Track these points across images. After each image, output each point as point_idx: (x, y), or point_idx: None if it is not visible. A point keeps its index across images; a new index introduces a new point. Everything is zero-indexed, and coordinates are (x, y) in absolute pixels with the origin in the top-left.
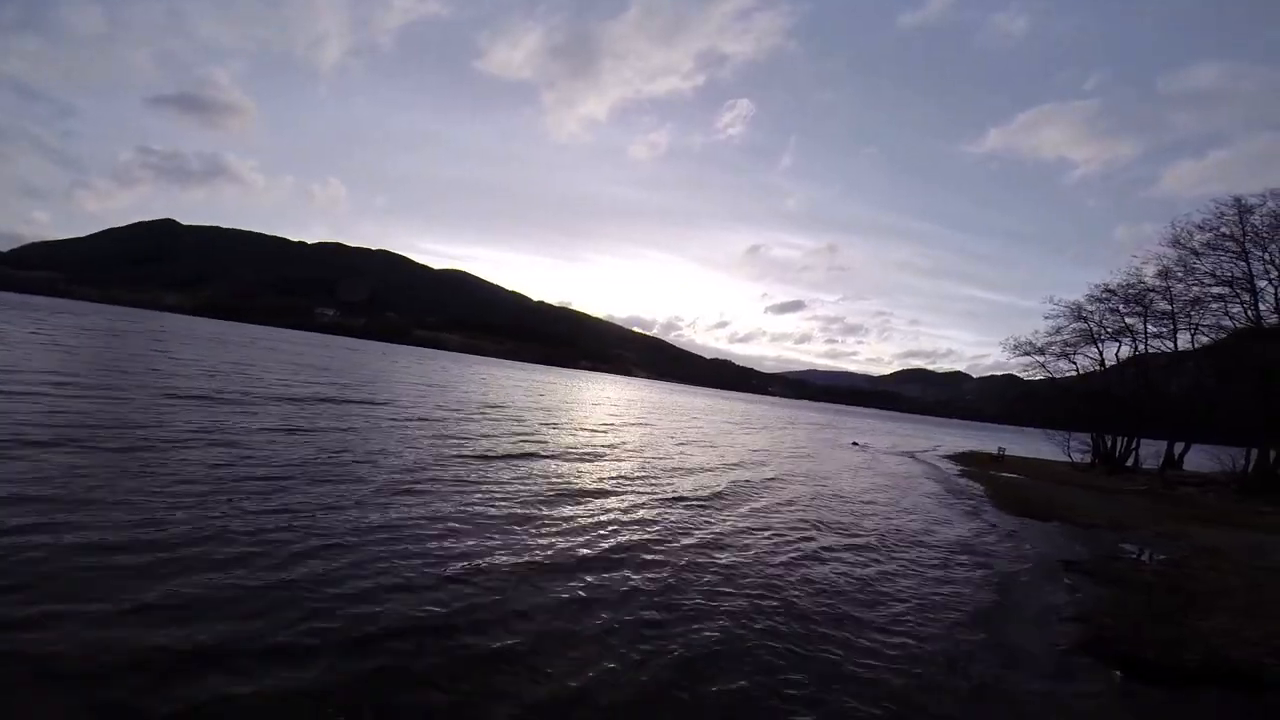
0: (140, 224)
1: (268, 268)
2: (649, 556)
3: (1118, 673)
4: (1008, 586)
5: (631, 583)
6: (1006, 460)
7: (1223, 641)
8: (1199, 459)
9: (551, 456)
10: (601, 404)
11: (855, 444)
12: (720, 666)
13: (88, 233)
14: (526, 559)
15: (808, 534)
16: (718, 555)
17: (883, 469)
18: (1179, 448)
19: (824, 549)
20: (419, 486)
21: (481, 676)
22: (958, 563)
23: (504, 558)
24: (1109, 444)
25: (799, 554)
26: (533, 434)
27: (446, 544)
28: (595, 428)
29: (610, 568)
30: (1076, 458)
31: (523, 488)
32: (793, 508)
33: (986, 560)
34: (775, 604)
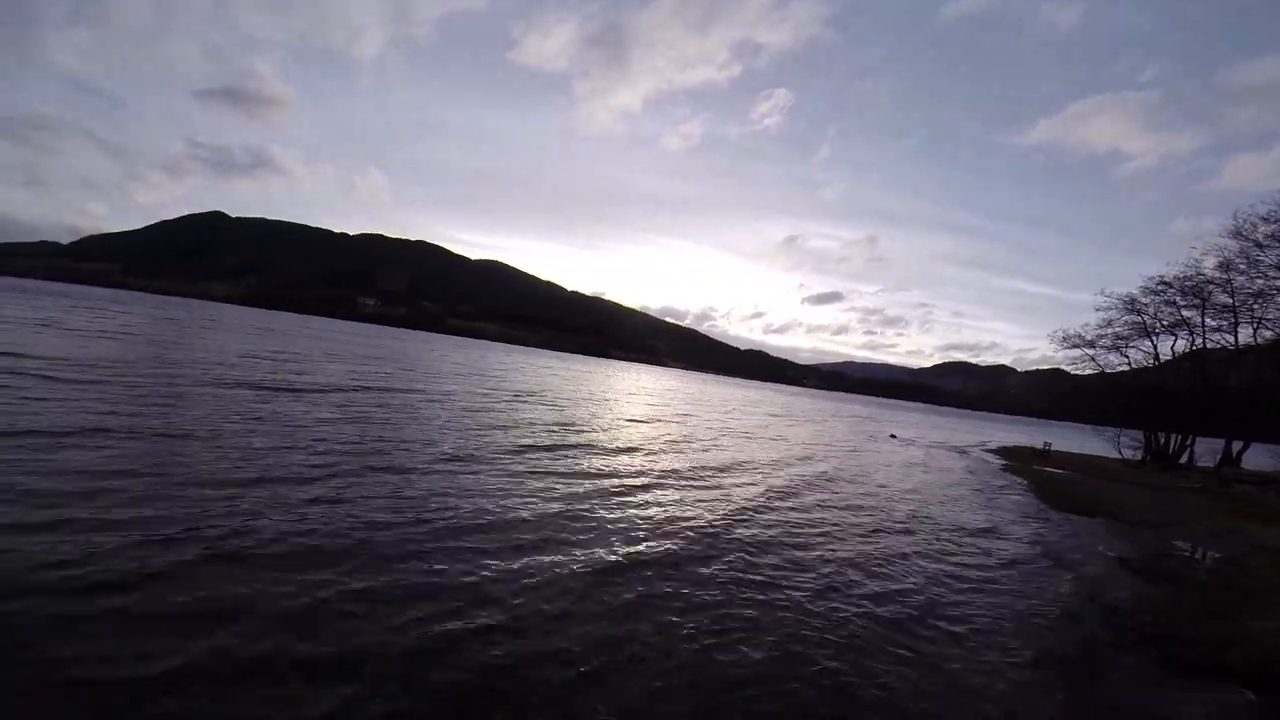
0: (191, 216)
1: (313, 259)
2: (719, 548)
3: (1153, 662)
4: (1052, 583)
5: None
6: (1052, 455)
7: (1270, 641)
8: (1259, 458)
9: (601, 449)
10: (639, 394)
11: (894, 436)
12: (821, 649)
13: (142, 225)
14: (588, 559)
15: (865, 530)
16: (790, 551)
17: (926, 464)
18: (1237, 446)
19: (883, 547)
20: (470, 476)
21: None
22: (1000, 560)
23: (574, 555)
24: (1162, 441)
25: (864, 553)
26: (582, 426)
27: (507, 541)
28: (639, 418)
29: (673, 566)
30: (1127, 454)
31: (575, 483)
32: (845, 504)
33: (1029, 556)
34: (854, 603)
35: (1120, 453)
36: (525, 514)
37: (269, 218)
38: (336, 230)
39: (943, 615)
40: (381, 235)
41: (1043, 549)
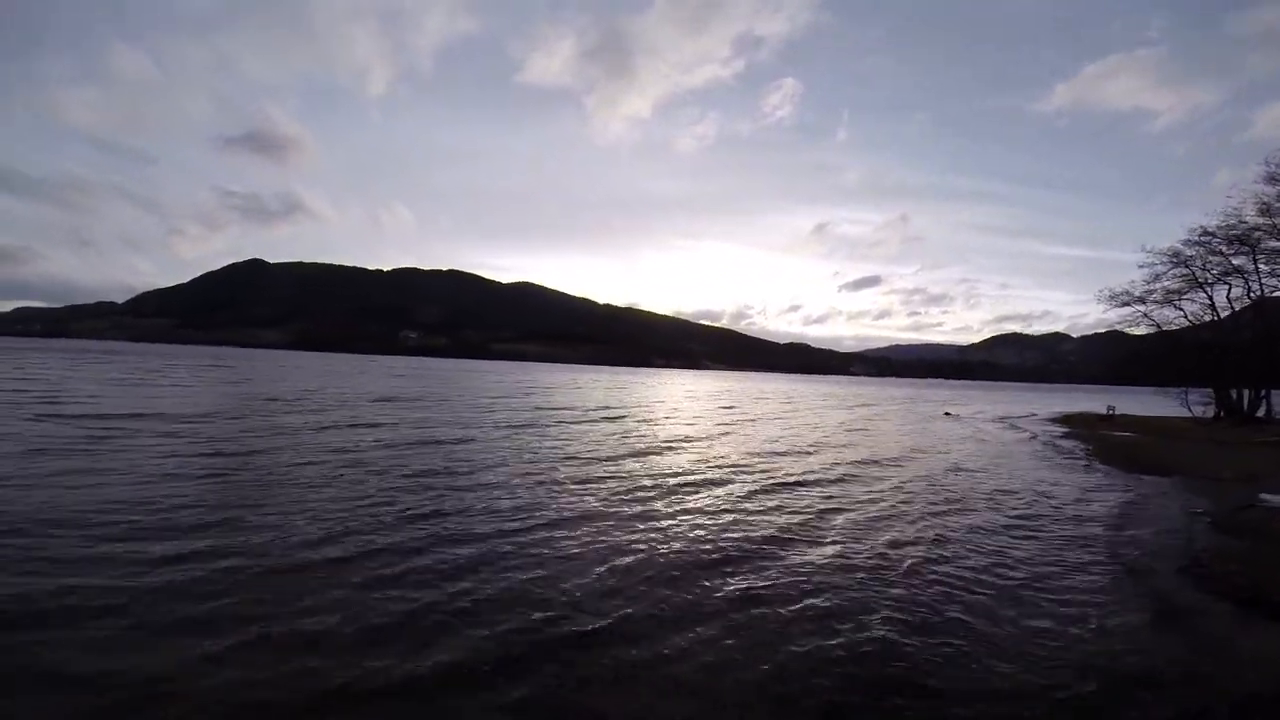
0: (232, 266)
1: (351, 297)
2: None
3: (1234, 608)
4: (1132, 536)
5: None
6: (1117, 419)
7: None
8: None
9: (672, 448)
10: (699, 398)
11: (948, 414)
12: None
13: (188, 278)
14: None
15: (938, 504)
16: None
17: (984, 437)
18: None
19: (967, 523)
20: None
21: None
22: (1074, 522)
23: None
24: (1234, 396)
25: (947, 524)
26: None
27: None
28: (702, 420)
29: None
30: (1197, 411)
31: (666, 481)
32: (919, 479)
33: (1108, 514)
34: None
35: (1190, 411)
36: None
37: (305, 260)
38: (371, 267)
39: (1043, 574)
40: (414, 269)
41: (1118, 510)
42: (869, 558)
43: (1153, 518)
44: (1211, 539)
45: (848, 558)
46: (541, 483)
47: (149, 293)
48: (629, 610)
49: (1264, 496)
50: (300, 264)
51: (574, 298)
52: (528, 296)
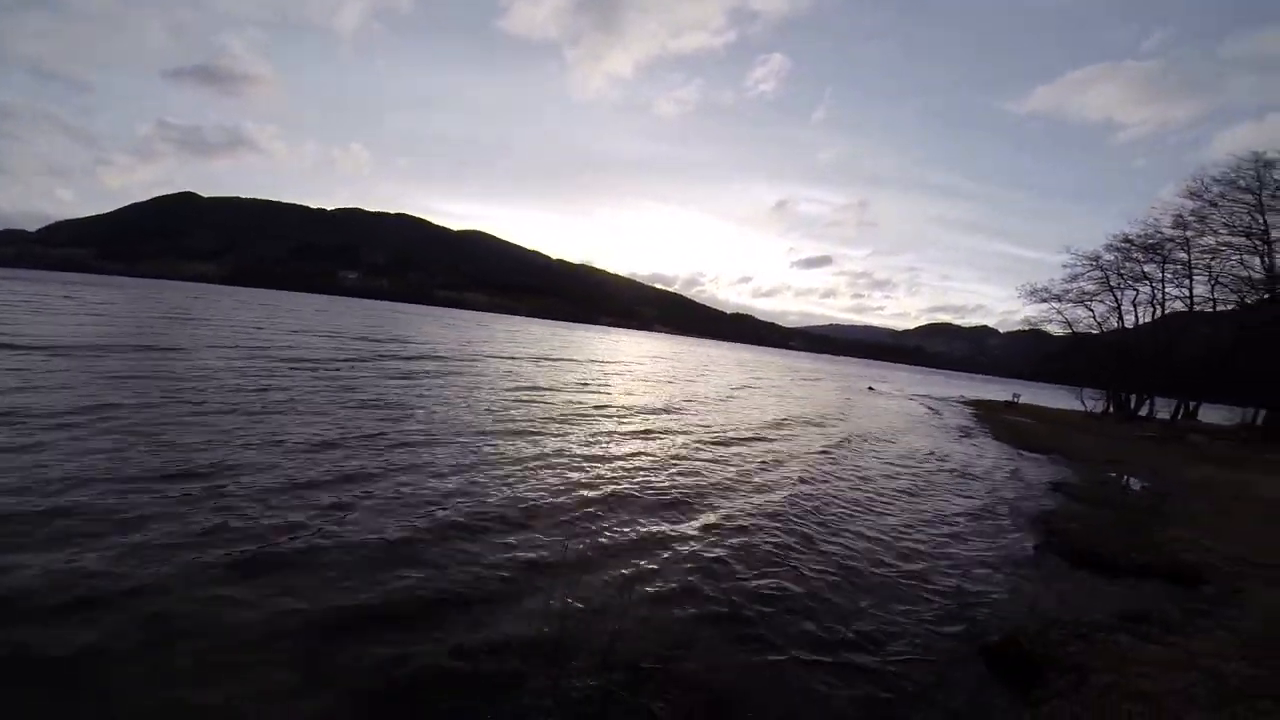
0: (162, 198)
1: (290, 235)
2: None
3: (1069, 560)
4: (998, 498)
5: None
6: (1019, 407)
7: (1178, 548)
8: (1212, 416)
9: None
10: (643, 361)
11: (871, 388)
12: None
13: (112, 208)
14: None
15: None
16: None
17: (899, 409)
18: (1192, 406)
19: (864, 474)
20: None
21: None
22: (957, 478)
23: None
24: (1124, 397)
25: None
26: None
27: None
28: (655, 381)
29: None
30: (1090, 406)
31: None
32: (832, 438)
33: (983, 478)
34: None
35: (1084, 406)
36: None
37: (243, 196)
38: (314, 206)
39: (915, 517)
40: (360, 210)
41: (994, 475)
42: (772, 491)
43: (1021, 484)
44: (1063, 503)
45: (758, 489)
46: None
47: (64, 221)
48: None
49: (1119, 476)
50: (238, 199)
51: (525, 249)
52: (477, 244)
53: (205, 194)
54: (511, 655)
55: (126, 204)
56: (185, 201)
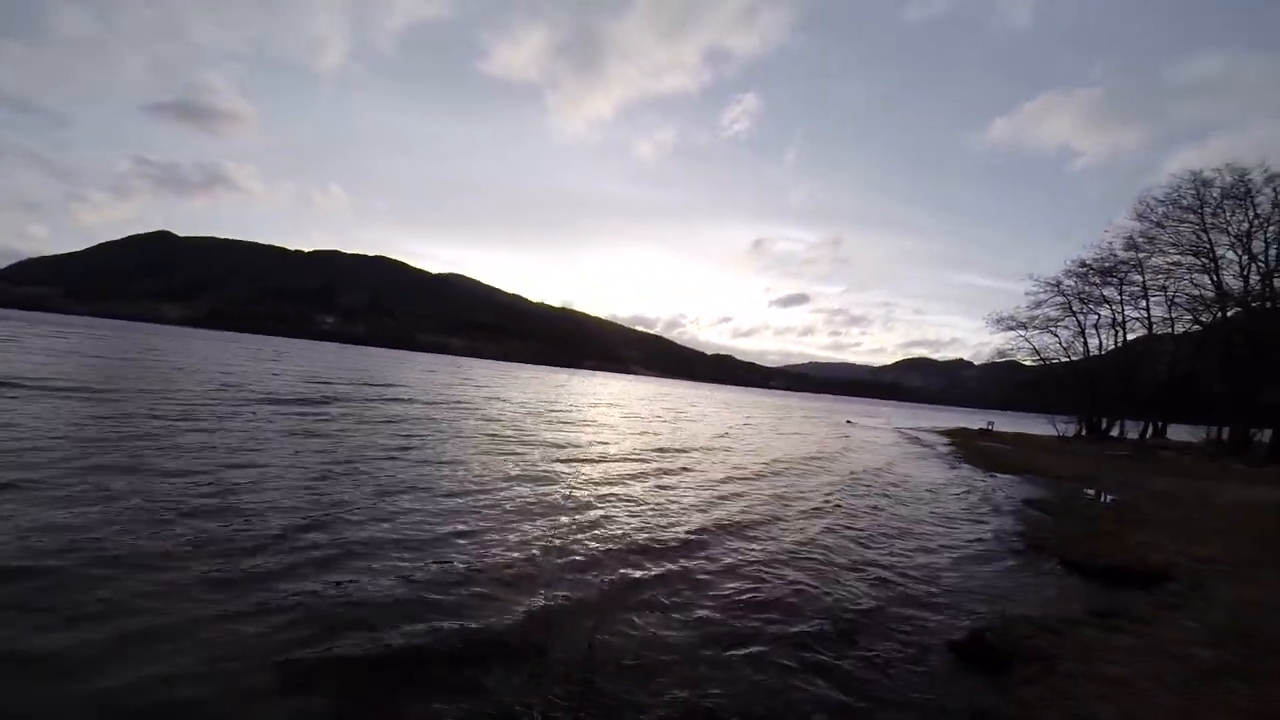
0: (136, 237)
1: (265, 277)
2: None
3: (1040, 565)
4: (968, 515)
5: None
6: (993, 434)
7: (1143, 551)
8: (1182, 435)
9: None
10: (623, 403)
11: (849, 422)
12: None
13: (84, 246)
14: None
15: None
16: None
17: (879, 440)
18: (1161, 425)
19: (848, 495)
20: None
21: None
22: (938, 499)
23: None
24: (1095, 420)
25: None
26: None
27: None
28: (643, 423)
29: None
30: (1062, 429)
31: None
32: (818, 467)
33: (960, 497)
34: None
35: (1057, 430)
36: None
37: (219, 236)
38: (291, 248)
39: (896, 535)
40: (339, 251)
41: (968, 493)
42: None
43: (994, 501)
44: (1033, 516)
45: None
46: None
47: (33, 259)
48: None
49: (1088, 490)
50: (213, 239)
51: (506, 292)
52: (456, 288)
53: (181, 233)
54: None
55: (100, 242)
56: (160, 240)
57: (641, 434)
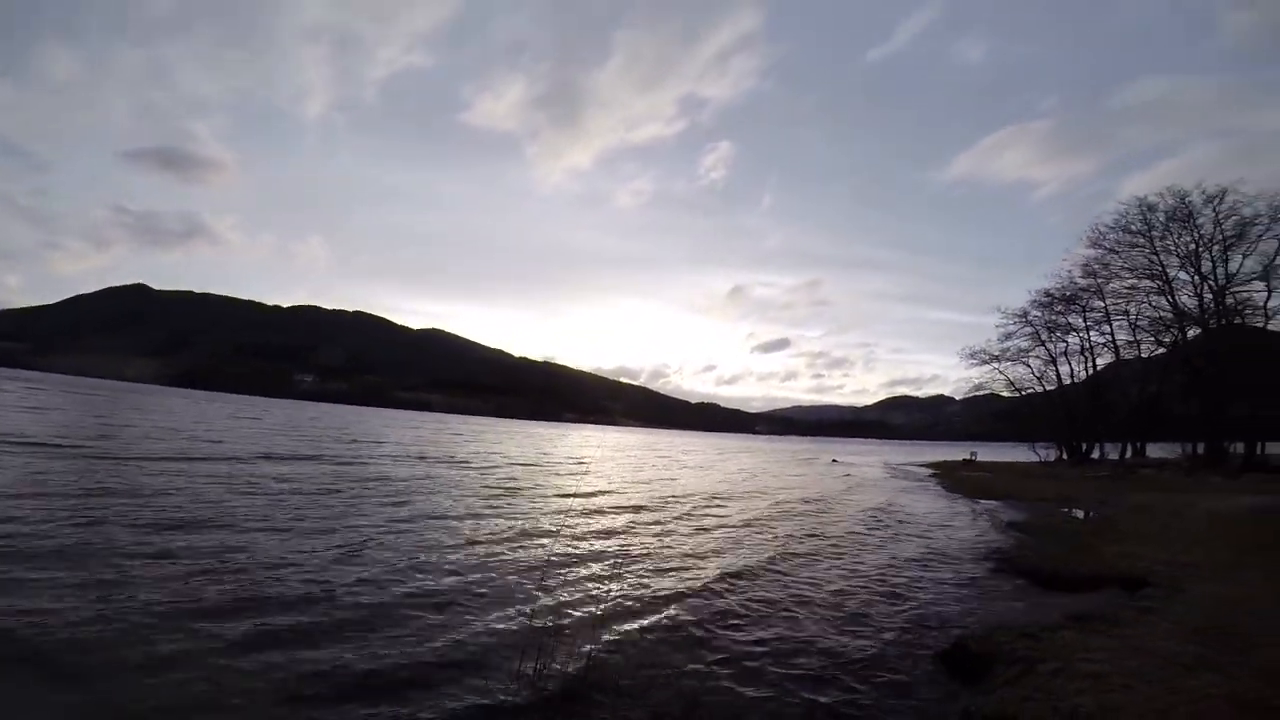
0: (110, 289)
1: (242, 333)
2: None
3: (1020, 581)
4: (951, 539)
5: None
6: (976, 464)
7: (1121, 560)
8: (1161, 454)
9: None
10: (623, 452)
11: (835, 461)
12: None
13: (59, 299)
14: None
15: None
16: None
17: (863, 477)
18: (1139, 445)
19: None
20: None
21: None
22: (919, 525)
23: None
24: (1074, 444)
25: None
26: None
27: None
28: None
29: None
30: (1043, 455)
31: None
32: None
33: (939, 524)
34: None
35: (1038, 456)
36: None
37: (196, 290)
38: (269, 303)
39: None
40: (318, 307)
41: (952, 519)
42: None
43: (976, 524)
44: (1014, 536)
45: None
46: None
47: (4, 311)
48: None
49: (1066, 509)
50: (190, 294)
51: (487, 347)
52: (437, 344)
53: (158, 286)
54: None
55: (74, 294)
56: (137, 294)
57: (648, 482)
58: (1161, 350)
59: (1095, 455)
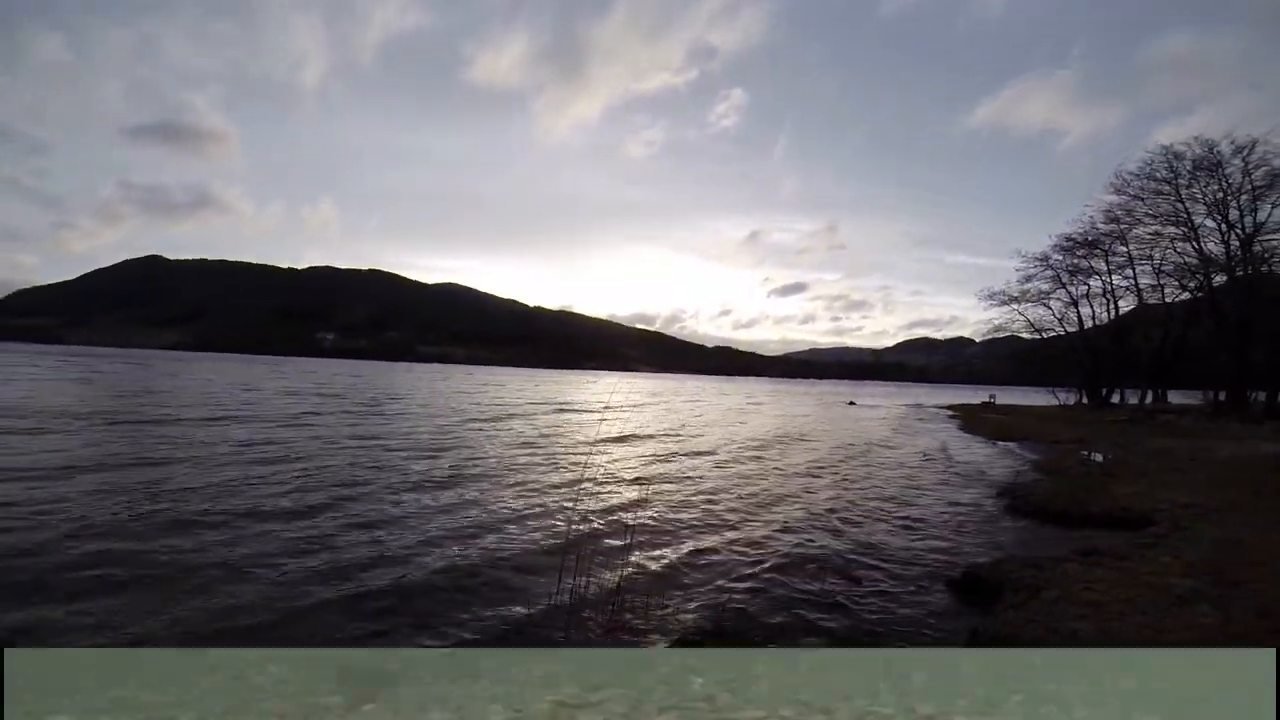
0: (127, 262)
1: (262, 297)
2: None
3: (1031, 518)
4: (967, 477)
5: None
6: (995, 406)
7: (1130, 500)
8: (1183, 400)
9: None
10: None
11: (852, 403)
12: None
13: (75, 274)
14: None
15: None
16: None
17: (884, 417)
18: (1161, 391)
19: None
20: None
21: None
22: (936, 464)
23: None
24: (1095, 388)
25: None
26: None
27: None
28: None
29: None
30: (1063, 398)
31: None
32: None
33: (955, 461)
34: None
35: (1058, 399)
36: None
37: (210, 258)
38: (284, 266)
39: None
40: (332, 268)
41: (968, 459)
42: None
43: (991, 464)
44: (1029, 476)
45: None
46: None
47: (25, 290)
48: None
49: (1083, 452)
50: (204, 261)
51: (502, 299)
52: (453, 298)
53: (172, 256)
54: None
55: (91, 269)
56: (152, 265)
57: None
58: (1185, 295)
59: (1115, 400)
